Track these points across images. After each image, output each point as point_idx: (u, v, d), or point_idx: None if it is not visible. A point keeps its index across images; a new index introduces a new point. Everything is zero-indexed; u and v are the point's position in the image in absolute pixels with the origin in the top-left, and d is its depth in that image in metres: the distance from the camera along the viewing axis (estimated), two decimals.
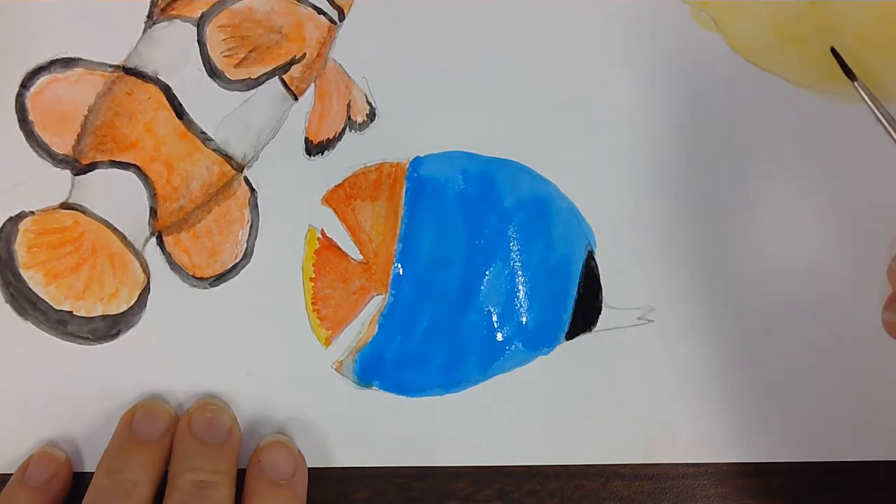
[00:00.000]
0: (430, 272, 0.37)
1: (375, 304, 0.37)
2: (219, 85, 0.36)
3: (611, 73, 0.38)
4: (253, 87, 0.37)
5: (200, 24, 0.36)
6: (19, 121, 0.36)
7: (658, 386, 0.37)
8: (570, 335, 0.37)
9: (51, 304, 0.36)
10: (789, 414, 0.37)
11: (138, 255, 0.36)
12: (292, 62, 0.37)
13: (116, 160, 0.36)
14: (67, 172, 0.36)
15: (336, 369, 0.36)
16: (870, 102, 0.34)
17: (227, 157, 0.36)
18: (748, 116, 0.38)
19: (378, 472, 0.37)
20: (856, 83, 0.34)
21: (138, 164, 0.36)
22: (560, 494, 0.37)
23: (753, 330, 0.37)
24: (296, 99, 0.37)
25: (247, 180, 0.37)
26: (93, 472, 0.35)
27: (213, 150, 0.36)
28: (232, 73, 0.36)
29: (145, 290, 0.36)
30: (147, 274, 0.36)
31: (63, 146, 0.36)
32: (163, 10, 0.37)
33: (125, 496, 0.33)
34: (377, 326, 0.37)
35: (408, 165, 0.37)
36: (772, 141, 0.38)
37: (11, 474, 0.35)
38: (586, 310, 0.37)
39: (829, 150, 0.38)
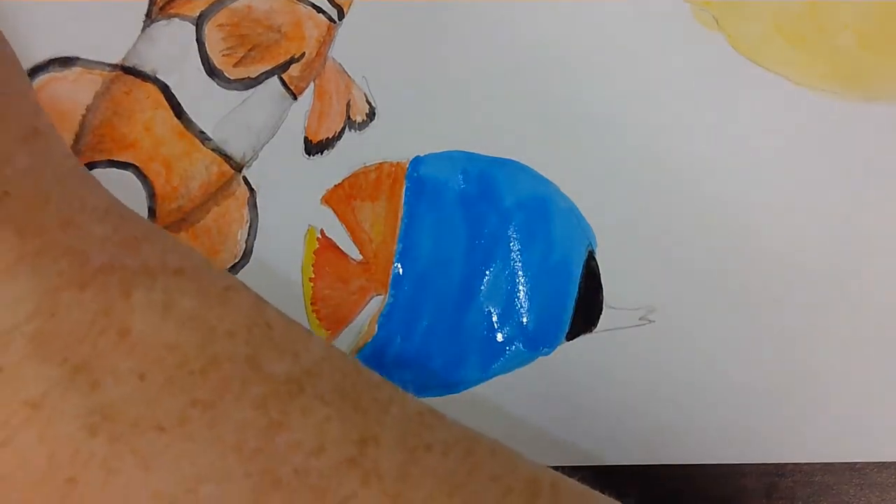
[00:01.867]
0: (430, 272, 0.37)
1: (375, 304, 0.37)
2: (218, 84, 0.36)
3: (611, 73, 0.38)
4: (252, 87, 0.36)
5: (199, 22, 0.36)
6: None
7: (658, 386, 0.37)
8: (571, 335, 0.37)
9: None
10: (790, 414, 0.37)
11: None
12: (291, 61, 0.37)
13: (115, 160, 0.36)
14: None
15: None
16: None
17: (226, 157, 0.36)
18: (749, 116, 0.38)
19: None
20: None
21: (137, 164, 0.36)
22: None
23: (754, 330, 0.37)
24: (295, 98, 0.37)
25: (246, 180, 0.37)
26: None
27: (212, 150, 0.36)
28: (231, 73, 0.36)
29: None
30: None
31: None
32: (161, 8, 0.37)
33: None
34: (377, 327, 0.36)
35: (408, 165, 0.37)
36: (773, 140, 0.38)
37: None
38: (587, 310, 0.37)
39: (830, 149, 0.38)
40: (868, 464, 0.38)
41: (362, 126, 0.37)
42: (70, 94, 0.36)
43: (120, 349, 0.24)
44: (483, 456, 0.28)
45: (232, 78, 0.36)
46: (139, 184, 0.36)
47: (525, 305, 0.37)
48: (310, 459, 0.24)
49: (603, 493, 0.36)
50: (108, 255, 0.25)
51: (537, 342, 0.37)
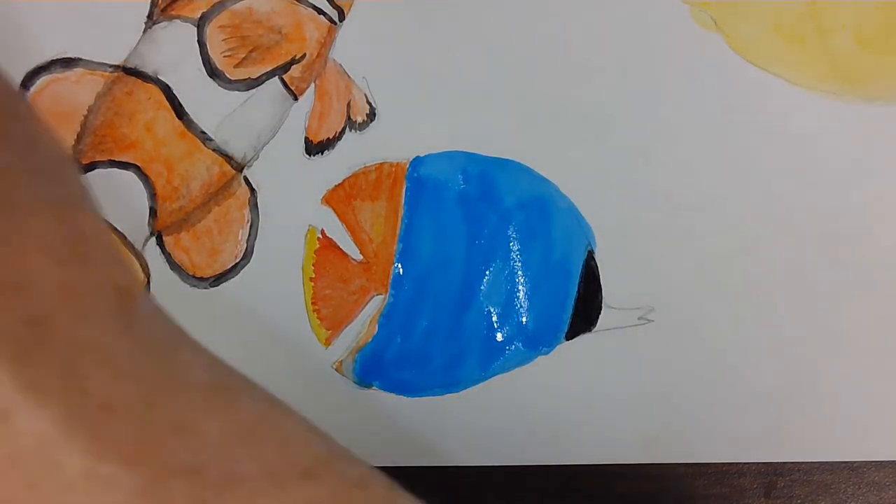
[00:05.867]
0: (430, 272, 0.37)
1: (375, 304, 0.37)
2: (219, 85, 0.36)
3: (610, 73, 0.38)
4: (253, 87, 0.37)
5: (200, 24, 0.36)
6: None
7: (658, 386, 0.37)
8: (570, 335, 0.37)
9: None
10: (789, 414, 0.37)
11: (138, 255, 0.36)
12: (292, 62, 0.37)
13: (116, 160, 0.36)
14: None
15: (336, 369, 0.36)
16: None
17: (227, 157, 0.36)
18: (748, 116, 0.38)
19: None
20: None
21: (138, 164, 0.36)
22: (560, 494, 0.37)
23: (753, 330, 0.37)
24: (296, 99, 0.37)
25: (247, 180, 0.37)
26: None
27: (213, 150, 0.36)
28: (232, 73, 0.36)
29: (145, 290, 0.36)
30: (147, 274, 0.36)
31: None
32: (163, 10, 0.37)
33: None
34: (377, 326, 0.37)
35: (408, 165, 0.37)
36: (771, 141, 0.38)
37: None
38: (586, 310, 0.37)
39: (829, 150, 0.38)
40: (865, 463, 0.38)
41: (362, 126, 0.37)
42: (72, 95, 0.36)
43: None
44: None
45: (233, 79, 0.36)
46: (140, 184, 0.36)
47: (525, 305, 0.37)
48: None
49: (602, 493, 0.36)
50: (225, 461, 0.21)
51: (537, 342, 0.37)
